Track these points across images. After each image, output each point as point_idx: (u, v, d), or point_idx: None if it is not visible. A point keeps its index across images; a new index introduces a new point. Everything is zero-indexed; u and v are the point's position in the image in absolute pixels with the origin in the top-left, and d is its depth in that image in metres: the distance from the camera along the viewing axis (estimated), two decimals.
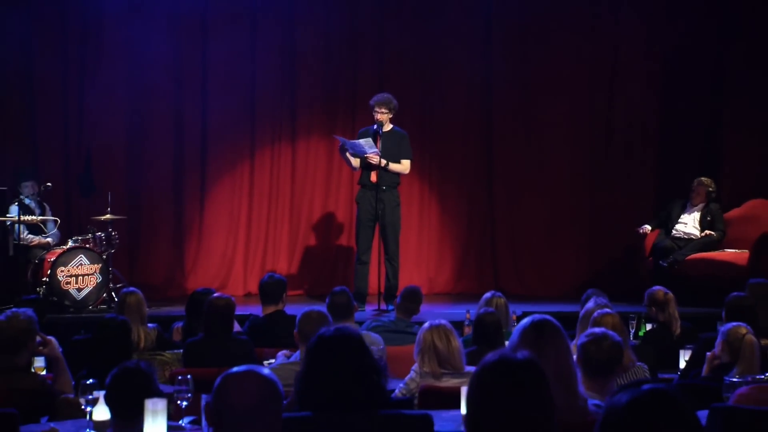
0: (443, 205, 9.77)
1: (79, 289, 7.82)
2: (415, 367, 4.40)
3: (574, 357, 3.52)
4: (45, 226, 8.37)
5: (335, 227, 9.67)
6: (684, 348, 5.11)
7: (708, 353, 4.50)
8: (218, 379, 2.32)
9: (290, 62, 9.58)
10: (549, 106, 9.67)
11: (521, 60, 9.70)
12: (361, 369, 2.91)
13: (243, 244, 9.54)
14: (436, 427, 3.18)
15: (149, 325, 5.52)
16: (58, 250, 7.90)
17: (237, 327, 5.54)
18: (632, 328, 5.96)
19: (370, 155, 7.78)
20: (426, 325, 4.44)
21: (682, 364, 5.01)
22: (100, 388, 3.33)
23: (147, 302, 5.79)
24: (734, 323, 4.44)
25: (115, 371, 3.12)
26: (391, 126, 8.00)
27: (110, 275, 8.01)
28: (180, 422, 3.52)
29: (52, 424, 3.52)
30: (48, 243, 8.29)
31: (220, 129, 9.49)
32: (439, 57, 9.64)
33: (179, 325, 5.90)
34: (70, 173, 9.30)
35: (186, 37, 9.45)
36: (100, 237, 8.12)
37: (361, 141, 7.80)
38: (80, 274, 7.83)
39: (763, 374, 4.13)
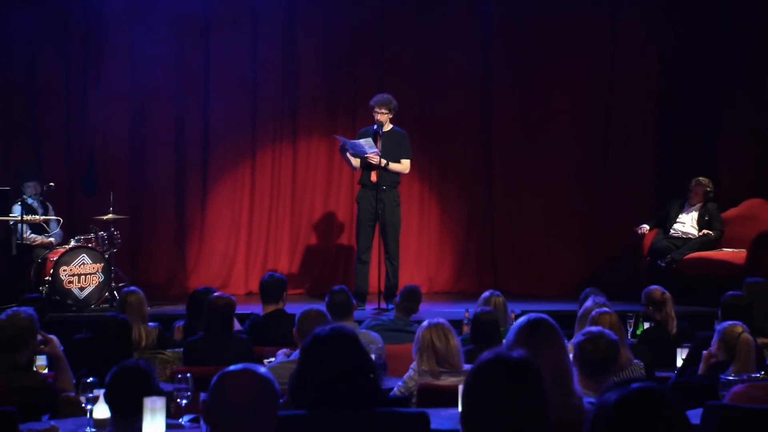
0: (443, 205, 9.80)
1: (82, 288, 7.85)
2: (414, 365, 4.43)
3: (570, 356, 3.55)
4: (48, 225, 8.41)
5: (336, 227, 9.70)
6: (681, 346, 5.14)
7: (705, 352, 4.52)
8: (214, 378, 2.34)
9: (291, 63, 9.61)
10: (548, 106, 9.70)
11: (521, 60, 9.72)
12: (356, 367, 2.91)
13: (244, 244, 9.57)
14: (434, 425, 3.20)
15: (150, 324, 5.52)
16: (61, 250, 7.93)
17: (237, 326, 5.58)
18: (630, 327, 5.99)
19: (370, 155, 7.80)
20: (424, 323, 4.47)
21: (680, 363, 5.04)
22: (100, 387, 3.35)
23: (149, 301, 5.81)
24: (730, 322, 4.45)
25: (115, 370, 3.14)
26: (391, 126, 8.02)
27: (112, 274, 8.04)
28: (180, 420, 3.54)
29: (52, 422, 3.53)
30: (51, 242, 8.32)
31: (221, 129, 9.52)
32: (439, 57, 9.67)
33: (180, 324, 5.92)
34: (73, 173, 9.34)
35: (188, 38, 9.48)
36: (103, 236, 8.15)
37: (362, 141, 7.82)
38: (82, 274, 7.86)
39: (759, 373, 4.15)
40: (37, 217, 8.27)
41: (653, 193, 9.60)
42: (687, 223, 8.51)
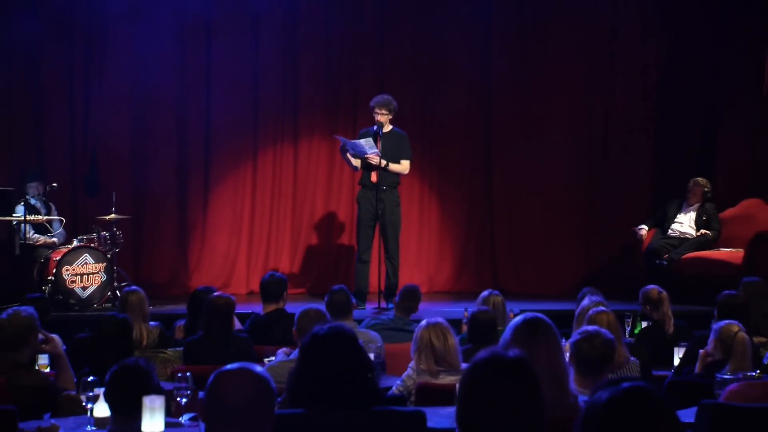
0: (443, 205, 9.82)
1: (84, 288, 7.89)
2: (412, 364, 4.45)
3: (567, 354, 3.58)
4: (50, 225, 8.44)
5: (336, 226, 9.73)
6: (678, 345, 5.17)
7: (701, 351, 4.55)
8: (211, 377, 2.36)
9: (292, 63, 9.63)
10: (548, 106, 9.72)
11: (521, 60, 9.74)
12: (354, 367, 2.91)
13: (246, 243, 9.60)
14: (432, 424, 3.21)
15: (151, 323, 5.53)
16: (64, 250, 7.96)
17: (238, 325, 5.61)
18: (628, 326, 6.01)
19: (371, 156, 7.83)
20: (423, 323, 4.48)
21: (677, 362, 5.06)
22: (100, 386, 3.37)
23: (151, 301, 5.84)
24: (727, 321, 4.47)
25: (114, 368, 3.16)
26: (391, 127, 8.05)
27: (115, 274, 8.07)
28: (179, 419, 3.57)
29: (53, 421, 3.54)
30: (53, 242, 8.34)
31: (223, 129, 9.54)
32: (439, 57, 9.68)
33: (181, 323, 5.94)
34: (76, 173, 9.36)
35: (190, 39, 9.50)
36: (105, 236, 8.17)
37: (362, 141, 7.85)
38: (85, 273, 7.89)
39: (755, 371, 4.17)
40: (39, 217, 8.30)
41: (652, 193, 9.62)
42: (685, 223, 8.54)
